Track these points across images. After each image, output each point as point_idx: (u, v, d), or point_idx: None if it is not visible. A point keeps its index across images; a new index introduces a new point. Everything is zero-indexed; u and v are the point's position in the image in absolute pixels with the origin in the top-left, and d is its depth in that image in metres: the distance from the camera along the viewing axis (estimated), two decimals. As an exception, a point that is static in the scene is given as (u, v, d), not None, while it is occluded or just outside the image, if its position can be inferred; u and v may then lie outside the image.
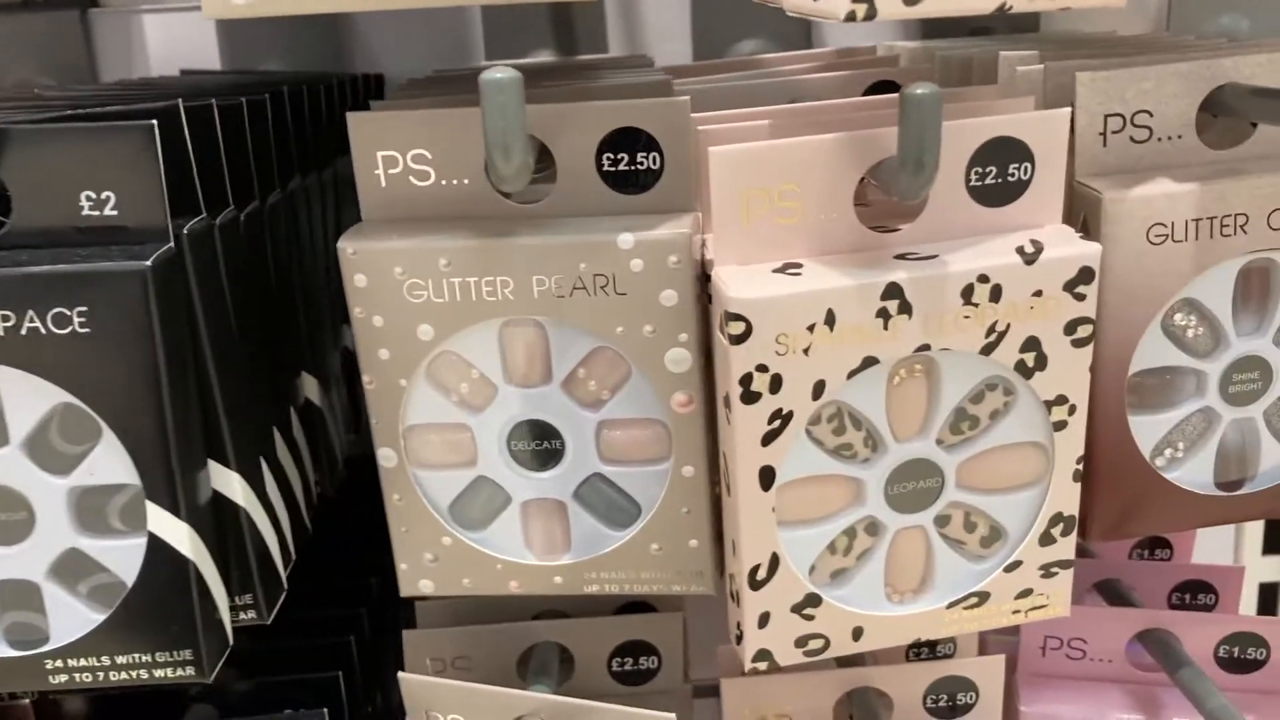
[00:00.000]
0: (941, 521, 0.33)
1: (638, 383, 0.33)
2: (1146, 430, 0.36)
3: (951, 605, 0.34)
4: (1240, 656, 0.42)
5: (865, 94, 0.41)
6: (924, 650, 0.42)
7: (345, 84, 0.49)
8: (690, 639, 0.44)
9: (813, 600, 0.33)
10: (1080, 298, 0.31)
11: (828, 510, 0.32)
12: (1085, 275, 0.31)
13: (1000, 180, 0.31)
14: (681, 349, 0.32)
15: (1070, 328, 0.31)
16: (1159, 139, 0.35)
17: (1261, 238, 0.34)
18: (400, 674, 0.37)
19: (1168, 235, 0.34)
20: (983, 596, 0.34)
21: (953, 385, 0.32)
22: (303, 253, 0.41)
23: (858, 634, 0.33)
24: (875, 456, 0.32)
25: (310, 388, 0.41)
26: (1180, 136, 0.35)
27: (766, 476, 0.31)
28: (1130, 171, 0.35)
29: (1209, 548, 0.62)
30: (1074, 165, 0.35)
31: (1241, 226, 0.34)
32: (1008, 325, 0.31)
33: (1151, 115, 0.35)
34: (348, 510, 0.46)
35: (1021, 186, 0.31)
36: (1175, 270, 0.34)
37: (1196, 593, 0.46)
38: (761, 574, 0.32)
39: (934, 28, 0.57)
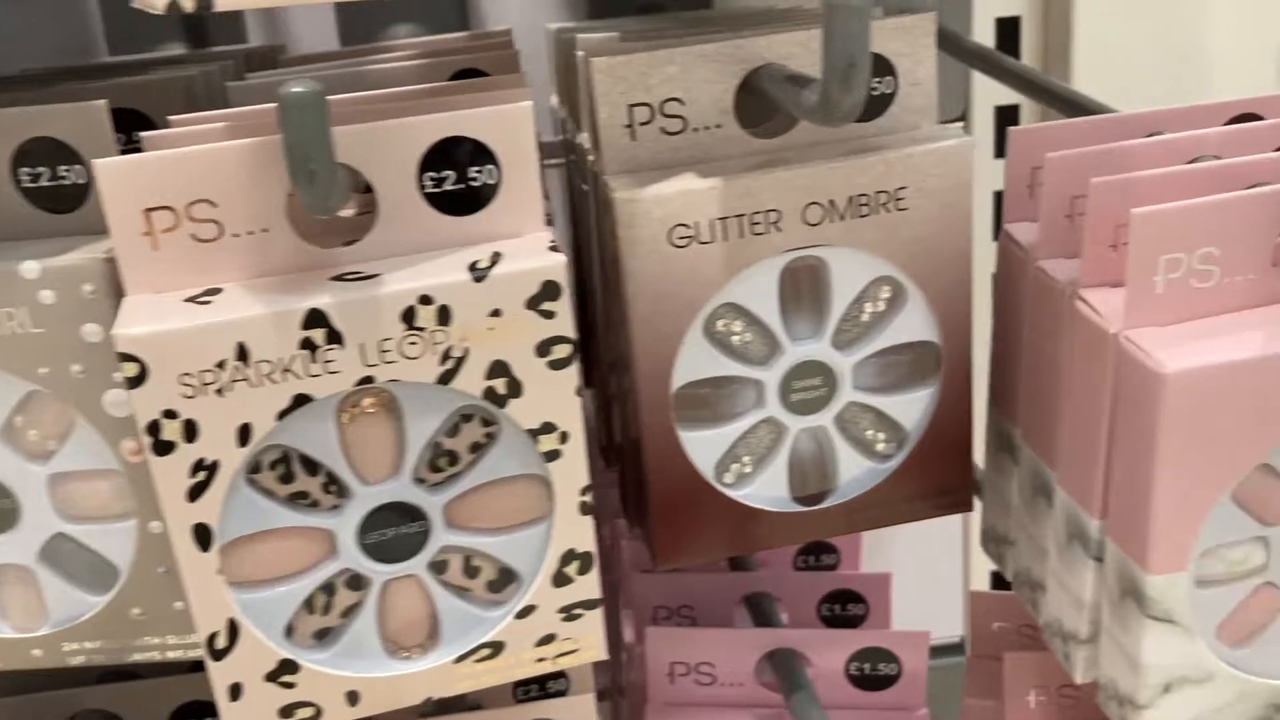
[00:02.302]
0: (438, 568, 0.30)
1: (84, 430, 0.29)
2: (706, 446, 0.33)
3: (462, 659, 0.30)
4: (871, 673, 0.40)
5: (451, 80, 0.38)
6: (532, 688, 0.39)
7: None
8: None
9: (290, 666, 0.29)
10: (549, 315, 0.27)
11: (294, 566, 0.29)
12: (550, 291, 0.27)
13: (463, 185, 0.28)
14: (120, 390, 0.28)
15: (543, 349, 0.28)
16: (695, 129, 0.32)
17: (798, 235, 0.31)
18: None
19: (693, 236, 0.31)
20: (497, 647, 0.30)
21: (419, 419, 0.28)
22: None
23: (354, 698, 0.30)
24: (345, 503, 0.28)
25: None
26: (719, 126, 0.32)
27: (202, 535, 0.27)
28: (665, 166, 0.32)
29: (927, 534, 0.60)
30: (602, 161, 0.32)
31: (774, 224, 0.31)
32: (466, 350, 0.27)
33: (683, 103, 0.31)
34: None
35: (489, 191, 0.28)
36: (706, 274, 0.31)
37: (846, 603, 0.43)
38: (220, 642, 0.28)
39: (603, 6, 0.53)
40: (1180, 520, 0.29)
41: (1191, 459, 0.28)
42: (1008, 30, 0.53)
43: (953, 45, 0.46)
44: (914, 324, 0.33)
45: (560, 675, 0.39)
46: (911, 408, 0.34)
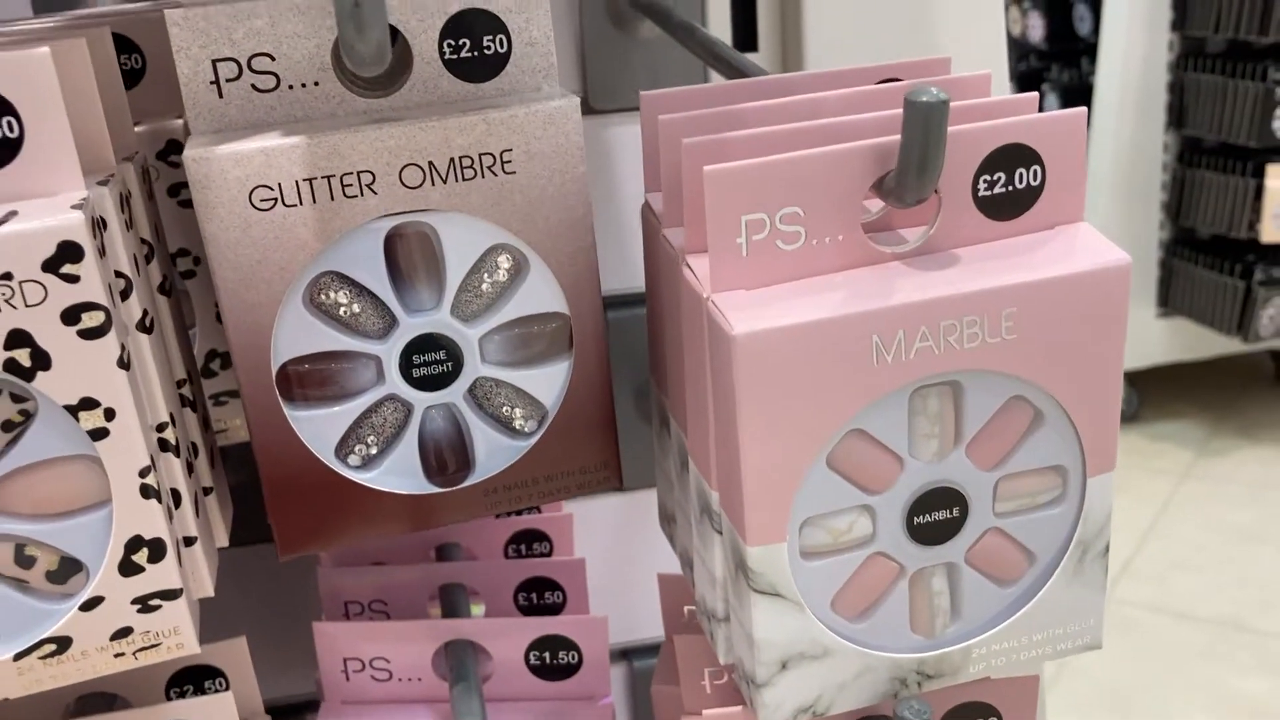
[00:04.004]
0: (-15, 558, 0.27)
1: None
2: (324, 426, 0.32)
3: (21, 655, 0.28)
4: (552, 662, 0.39)
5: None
6: (187, 688, 0.37)
7: None
8: None
9: None
10: (72, 279, 0.25)
11: None
12: (70, 252, 0.25)
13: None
14: None
15: (70, 316, 0.26)
16: (290, 86, 0.30)
17: (396, 198, 0.30)
18: None
19: (277, 199, 0.29)
20: (62, 642, 0.28)
21: (-65, 395, 0.26)
22: None
23: (-104, 702, 0.28)
24: None
25: None
26: (316, 83, 0.30)
27: None
28: (259, 125, 0.30)
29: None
30: (188, 120, 0.30)
31: (369, 186, 0.30)
32: (-24, 319, 0.25)
33: (274, 59, 0.30)
34: None
35: (11, 146, 0.26)
36: (297, 239, 0.30)
37: (544, 590, 0.42)
38: None
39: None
40: (772, 488, 0.28)
41: (774, 423, 0.27)
42: (744, 2, 0.52)
43: (651, 12, 0.45)
44: (540, 295, 0.32)
45: (219, 674, 0.37)
46: (548, 382, 0.33)
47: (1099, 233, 0.29)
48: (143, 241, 0.30)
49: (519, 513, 0.45)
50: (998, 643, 0.31)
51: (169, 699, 0.36)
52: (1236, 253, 1.55)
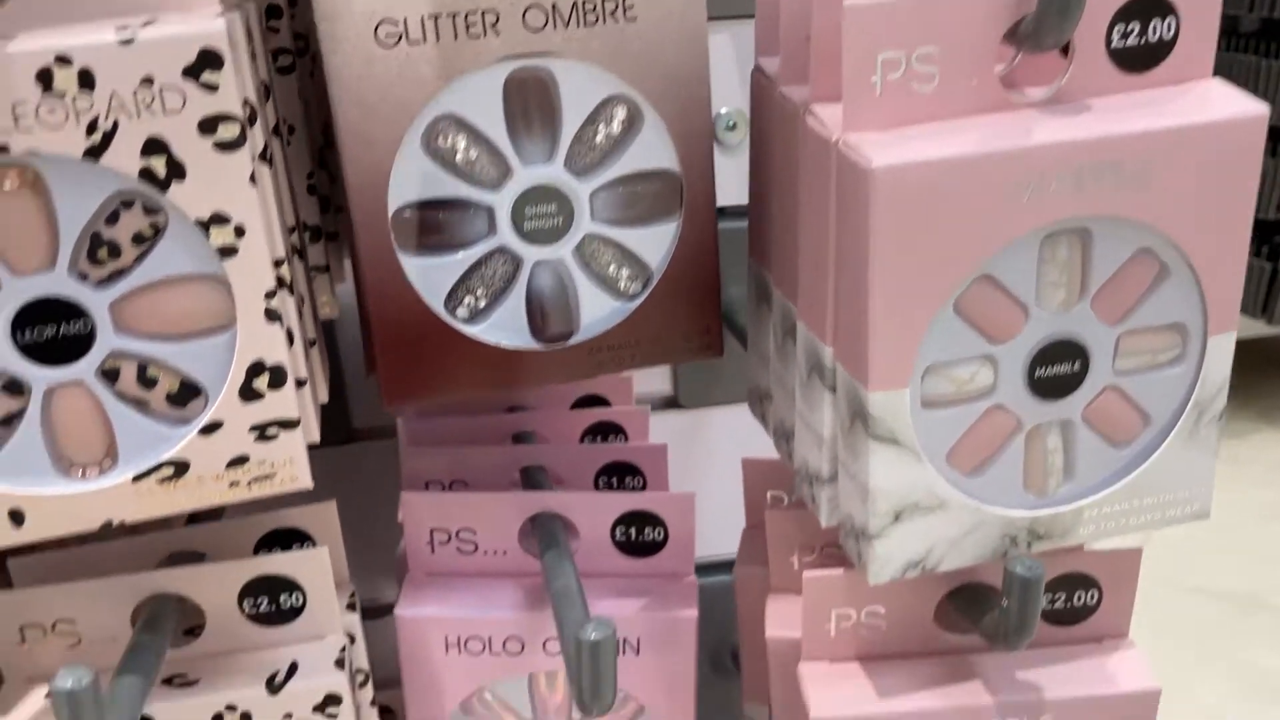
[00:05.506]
0: (109, 376, 0.27)
1: None
2: (434, 275, 0.32)
3: (140, 478, 0.28)
4: (638, 539, 0.38)
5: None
6: (275, 546, 0.36)
7: None
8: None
9: (-63, 479, 0.27)
10: (210, 88, 0.25)
11: (-64, 366, 0.26)
12: (209, 60, 0.25)
13: (125, -52, 0.25)
14: None
15: (208, 126, 0.25)
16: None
17: (518, 39, 0.30)
18: None
19: (401, 34, 0.29)
20: (181, 466, 0.28)
21: (70, 200, 0.26)
22: None
23: (19, 518, 0.27)
24: (-8, 298, 0.26)
25: None
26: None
27: None
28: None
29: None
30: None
31: (492, 25, 0.29)
32: (115, 122, 0.25)
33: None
34: None
35: (155, -44, 0.26)
36: (419, 77, 0.29)
37: (624, 475, 0.42)
38: None
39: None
40: (899, 331, 0.28)
41: (906, 263, 0.27)
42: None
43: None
44: (652, 150, 0.32)
45: (307, 539, 0.37)
46: (655, 243, 0.33)
47: (1232, 86, 0.29)
48: (261, 82, 0.30)
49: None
50: (1109, 505, 0.31)
51: (254, 553, 0.36)
52: (1263, 234, 1.54)
